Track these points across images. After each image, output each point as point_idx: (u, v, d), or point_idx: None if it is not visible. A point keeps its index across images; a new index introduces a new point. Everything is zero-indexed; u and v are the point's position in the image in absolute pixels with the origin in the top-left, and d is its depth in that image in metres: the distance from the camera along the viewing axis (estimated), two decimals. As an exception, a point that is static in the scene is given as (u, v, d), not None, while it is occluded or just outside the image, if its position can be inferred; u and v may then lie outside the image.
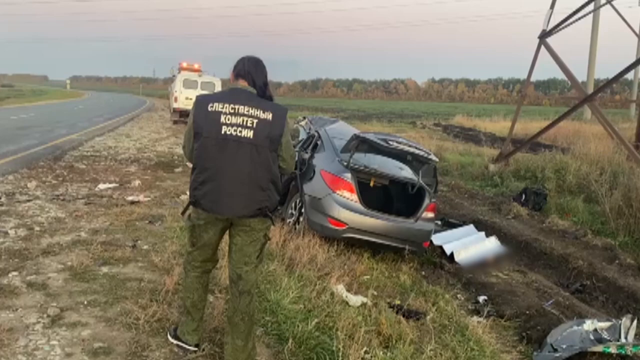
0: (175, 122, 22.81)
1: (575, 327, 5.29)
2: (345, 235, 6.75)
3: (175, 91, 22.22)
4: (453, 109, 76.54)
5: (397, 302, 5.52)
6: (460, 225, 9.39)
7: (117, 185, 8.32)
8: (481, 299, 6.59)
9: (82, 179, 8.73)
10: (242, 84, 3.22)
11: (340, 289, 5.24)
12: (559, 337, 5.23)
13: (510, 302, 6.41)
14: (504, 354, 5.19)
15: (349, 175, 6.84)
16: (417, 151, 7.03)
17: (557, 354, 5.05)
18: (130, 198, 7.34)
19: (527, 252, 8.79)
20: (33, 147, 12.16)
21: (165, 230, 5.95)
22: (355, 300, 5.13)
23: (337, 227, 6.72)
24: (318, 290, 4.97)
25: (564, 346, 5.11)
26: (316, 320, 4.04)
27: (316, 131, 7.93)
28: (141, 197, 7.35)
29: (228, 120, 3.04)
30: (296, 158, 3.49)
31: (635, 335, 5.20)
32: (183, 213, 3.30)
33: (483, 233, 8.66)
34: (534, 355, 5.21)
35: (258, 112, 3.08)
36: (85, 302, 3.87)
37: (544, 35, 14.49)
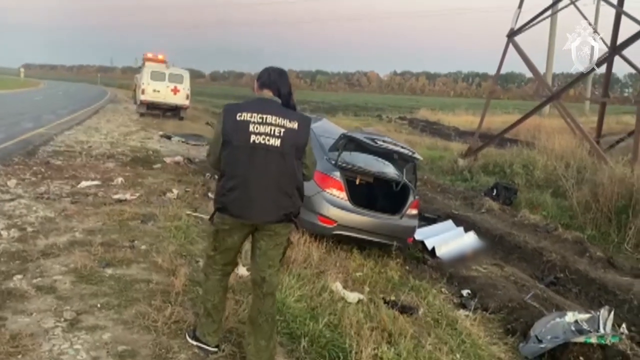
0: (142, 115, 22.47)
1: (557, 319, 5.60)
2: (335, 232, 6.91)
3: (143, 83, 21.87)
4: (415, 102, 77.64)
5: (393, 298, 5.72)
6: (435, 220, 9.69)
7: (99, 182, 8.23)
8: (465, 292, 6.88)
9: (62, 176, 8.59)
10: (268, 93, 3.33)
11: (337, 286, 5.40)
12: (543, 329, 5.53)
13: (493, 296, 6.71)
14: (493, 346, 5.46)
15: (337, 173, 6.99)
16: (402, 150, 7.25)
17: (542, 345, 5.35)
18: (116, 196, 7.29)
19: (501, 246, 9.15)
20: (2, 142, 11.81)
21: (160, 230, 5.97)
22: (353, 297, 5.31)
23: (326, 225, 6.88)
24: (317, 289, 5.11)
25: (548, 337, 5.41)
26: (325, 318, 4.18)
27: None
28: (128, 196, 7.31)
29: (256, 129, 3.15)
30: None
31: (613, 325, 5.55)
32: (211, 219, 3.37)
33: (462, 228, 8.97)
34: (520, 347, 5.50)
35: (285, 122, 3.19)
36: (99, 305, 3.91)
37: (512, 34, 14.95)
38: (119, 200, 7.12)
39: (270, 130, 3.17)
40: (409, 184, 7.47)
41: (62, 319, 3.63)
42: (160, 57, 27.58)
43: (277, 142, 3.17)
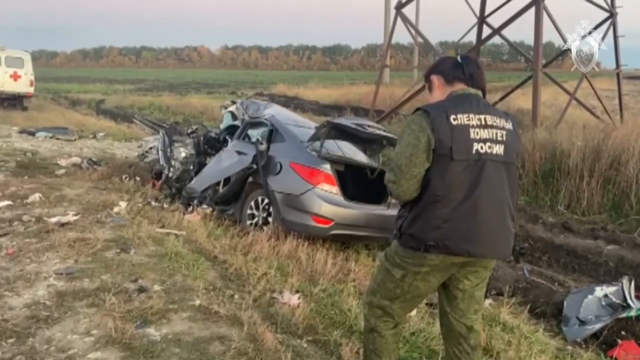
0: (-25, 108, 18.92)
1: (589, 296, 5.56)
2: (332, 232, 6.17)
3: (-27, 70, 18.35)
4: (254, 76, 77.06)
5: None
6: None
7: (10, 202, 6.42)
8: (467, 278, 6.61)
9: (-54, 199, 6.59)
10: (464, 89, 2.54)
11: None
12: (580, 309, 5.44)
13: (496, 278, 6.52)
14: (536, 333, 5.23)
15: (327, 166, 6.24)
16: (389, 135, 6.71)
17: (588, 327, 5.24)
18: (54, 220, 5.68)
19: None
20: None
21: (153, 259, 4.69)
22: (410, 308, 4.69)
23: (323, 225, 6.12)
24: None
25: (591, 317, 5.33)
26: None
27: (265, 119, 7.05)
28: (70, 217, 5.76)
29: (477, 134, 2.39)
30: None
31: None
32: (398, 260, 2.49)
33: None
34: (565, 331, 5.34)
35: (503, 122, 2.48)
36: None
37: (400, 6, 15.02)
38: (62, 224, 5.56)
39: (494, 135, 2.43)
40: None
41: None
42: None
43: (501, 150, 2.44)
